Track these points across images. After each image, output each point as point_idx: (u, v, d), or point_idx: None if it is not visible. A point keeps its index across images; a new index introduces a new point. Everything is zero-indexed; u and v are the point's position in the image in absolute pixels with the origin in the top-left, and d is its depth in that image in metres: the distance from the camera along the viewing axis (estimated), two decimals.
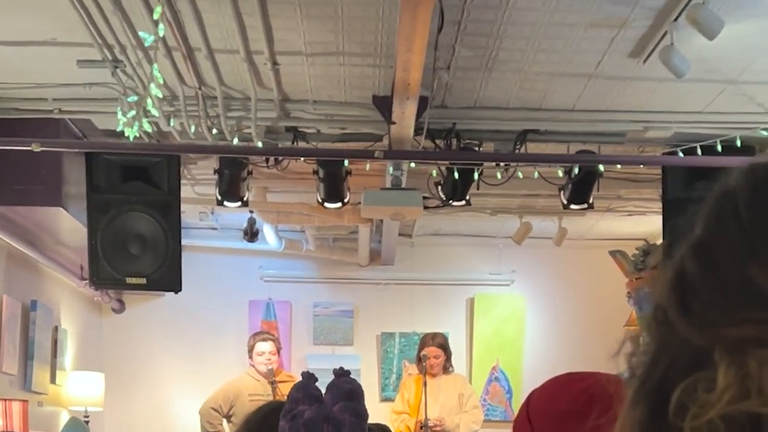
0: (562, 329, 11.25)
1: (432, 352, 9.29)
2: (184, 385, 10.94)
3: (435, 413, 9.13)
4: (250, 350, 9.23)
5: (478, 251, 11.21)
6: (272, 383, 8.94)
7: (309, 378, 2.52)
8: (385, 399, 10.86)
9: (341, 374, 2.52)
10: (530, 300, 11.29)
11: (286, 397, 2.55)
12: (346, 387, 2.47)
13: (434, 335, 9.48)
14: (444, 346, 9.40)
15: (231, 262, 11.05)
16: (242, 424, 3.18)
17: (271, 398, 8.41)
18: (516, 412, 1.72)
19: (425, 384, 9.07)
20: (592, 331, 10.65)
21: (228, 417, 9.20)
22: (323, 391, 2.50)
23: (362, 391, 2.52)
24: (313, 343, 11.28)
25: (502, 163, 7.60)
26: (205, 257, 10.97)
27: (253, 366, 9.25)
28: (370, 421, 2.55)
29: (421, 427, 8.99)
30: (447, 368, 9.45)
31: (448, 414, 9.21)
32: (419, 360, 9.38)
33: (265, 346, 9.20)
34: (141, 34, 5.72)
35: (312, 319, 11.30)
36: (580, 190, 7.87)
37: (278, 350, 9.34)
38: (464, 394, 9.39)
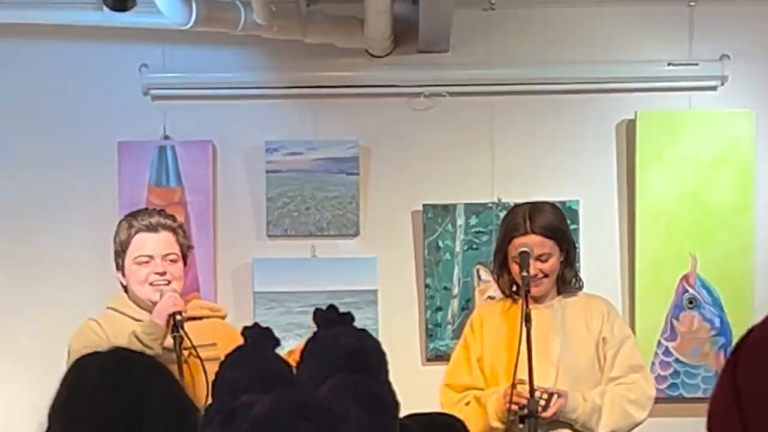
0: None
1: (537, 246, 5.26)
2: None
3: (548, 379, 5.07)
4: (121, 251, 5.36)
5: (641, 16, 6.20)
6: (175, 328, 5.06)
7: (260, 337, 1.49)
8: (435, 357, 6.18)
9: (334, 318, 1.48)
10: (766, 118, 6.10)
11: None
12: (347, 345, 1.44)
13: (538, 208, 5.35)
14: (559, 233, 5.27)
15: (80, 53, 6.20)
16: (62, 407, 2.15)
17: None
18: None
19: (526, 317, 5.02)
20: None
21: None
22: (291, 356, 1.51)
23: (381, 351, 1.48)
24: (267, 235, 6.20)
25: None
26: (22, 46, 6.14)
27: (126, 288, 5.40)
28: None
29: (522, 408, 4.92)
30: (568, 282, 5.30)
31: (576, 381, 5.14)
32: (507, 265, 5.31)
33: (155, 242, 5.37)
34: None
35: (263, 179, 6.18)
36: None
37: (184, 253, 5.33)
38: (607, 338, 5.25)
